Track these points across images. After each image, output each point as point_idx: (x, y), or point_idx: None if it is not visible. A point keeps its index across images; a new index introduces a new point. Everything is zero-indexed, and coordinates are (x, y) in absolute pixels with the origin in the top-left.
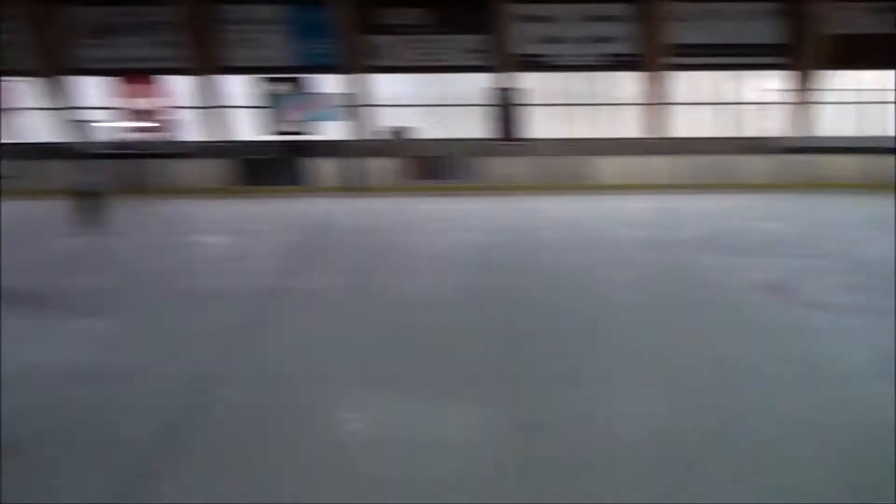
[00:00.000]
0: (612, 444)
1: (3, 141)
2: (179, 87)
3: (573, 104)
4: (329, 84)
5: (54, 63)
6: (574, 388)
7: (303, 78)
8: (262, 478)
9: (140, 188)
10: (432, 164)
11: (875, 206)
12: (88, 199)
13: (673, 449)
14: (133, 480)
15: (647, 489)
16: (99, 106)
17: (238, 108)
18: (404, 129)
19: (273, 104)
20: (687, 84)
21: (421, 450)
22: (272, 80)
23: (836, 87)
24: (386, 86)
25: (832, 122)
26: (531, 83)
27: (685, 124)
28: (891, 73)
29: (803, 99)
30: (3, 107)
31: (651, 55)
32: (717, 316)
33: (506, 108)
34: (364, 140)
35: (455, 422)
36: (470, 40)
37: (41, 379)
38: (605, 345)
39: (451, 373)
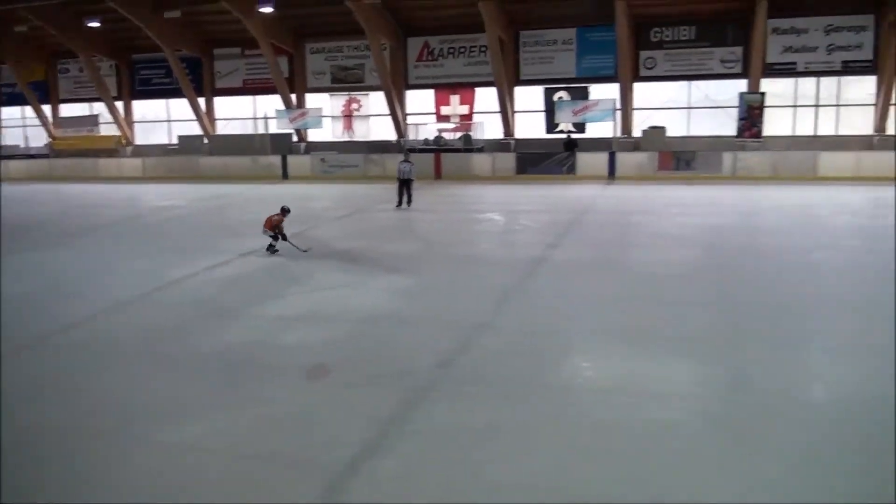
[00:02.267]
0: (801, 402)
1: (354, 139)
2: (484, 97)
3: (808, 105)
4: (603, 91)
5: (395, 80)
6: (780, 353)
7: (583, 86)
8: (504, 407)
9: (444, 175)
10: (680, 157)
11: None
12: (403, 184)
13: (863, 413)
14: (410, 402)
15: (824, 440)
16: (423, 112)
17: (527, 112)
18: (659, 127)
19: (555, 108)
20: None
21: (640, 398)
22: (557, 89)
23: None
24: (649, 91)
25: None
26: (770, 87)
27: None
28: None
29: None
30: (356, 114)
31: (885, 60)
32: None
33: (748, 108)
34: (625, 137)
35: (675, 375)
36: (726, 52)
37: (351, 319)
38: (811, 319)
39: (673, 335)
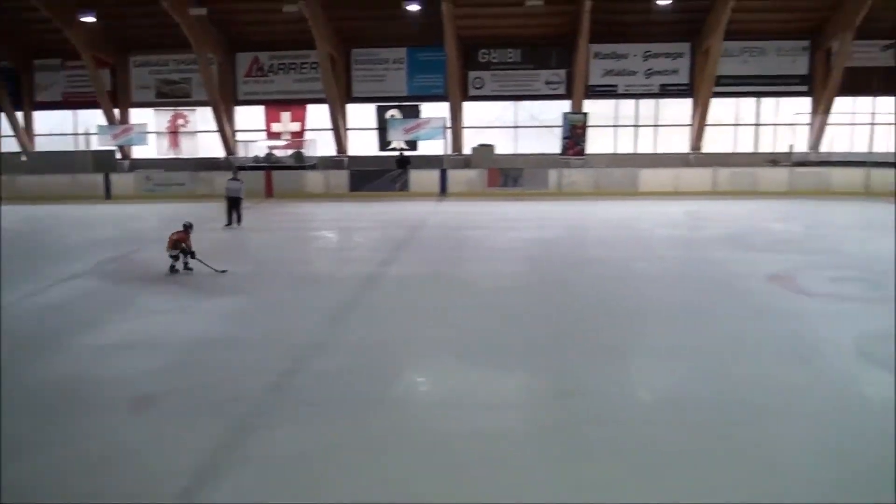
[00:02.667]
0: (631, 407)
1: (181, 156)
2: (316, 114)
3: (629, 125)
4: (434, 109)
5: (224, 96)
6: (606, 361)
7: (414, 105)
8: (342, 426)
9: (276, 193)
10: (508, 174)
11: (870, 211)
12: (233, 202)
13: (683, 412)
14: (242, 429)
15: (659, 446)
16: (253, 129)
17: (360, 130)
18: (488, 145)
19: (387, 126)
20: (722, 107)
21: (474, 409)
22: (389, 107)
23: (847, 111)
24: (478, 110)
25: (843, 139)
26: (593, 108)
27: (717, 141)
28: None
29: (820, 120)
30: (182, 130)
31: (699, 85)
32: (730, 300)
33: (572, 128)
34: (456, 154)
35: (505, 385)
36: (551, 74)
37: (176, 346)
38: (636, 325)
39: (504, 346)
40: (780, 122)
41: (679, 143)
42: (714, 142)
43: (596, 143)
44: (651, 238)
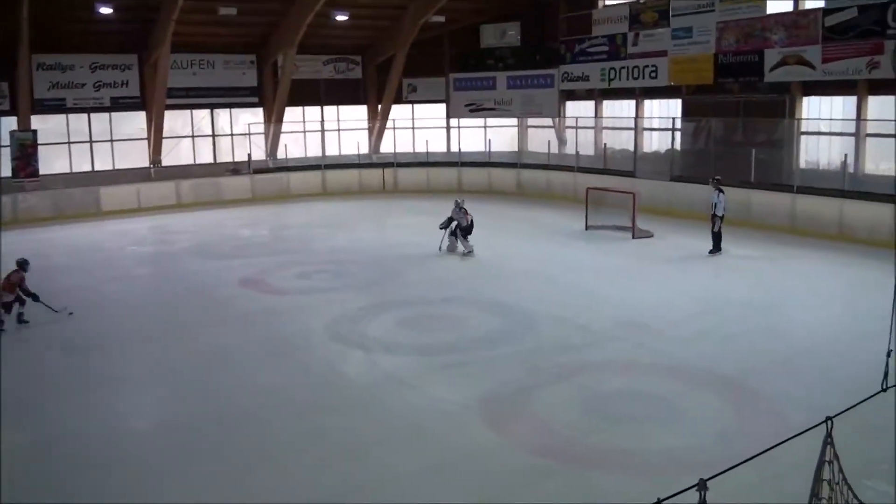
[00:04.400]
0: (123, 438)
1: None
2: None
3: (83, 141)
4: None
5: None
6: (91, 395)
7: None
8: None
9: None
10: None
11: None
12: None
13: (178, 433)
14: None
15: (151, 476)
16: None
17: None
18: None
19: None
20: (178, 119)
21: None
22: None
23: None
24: None
25: (297, 145)
26: (42, 124)
27: (177, 154)
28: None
29: (274, 129)
30: None
31: (151, 97)
32: (208, 309)
33: (21, 147)
34: None
35: None
36: None
37: None
38: (116, 352)
39: None
40: (237, 132)
41: (138, 157)
42: (174, 154)
43: (50, 163)
44: (122, 258)
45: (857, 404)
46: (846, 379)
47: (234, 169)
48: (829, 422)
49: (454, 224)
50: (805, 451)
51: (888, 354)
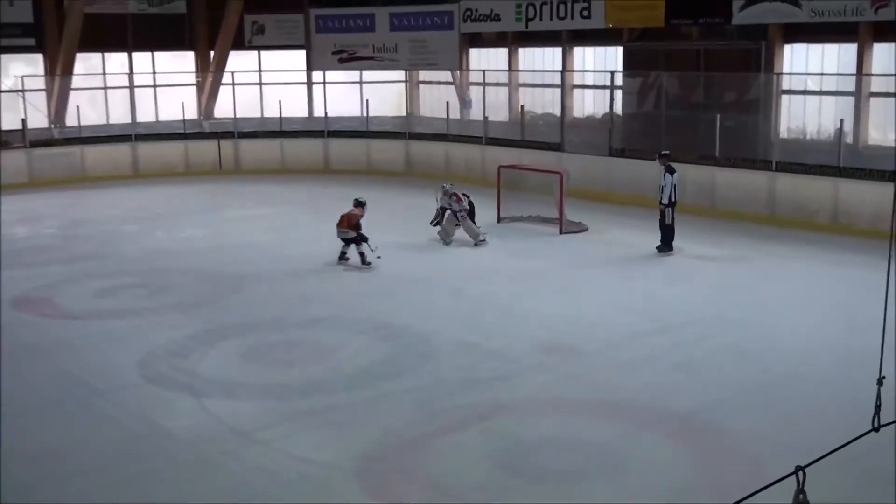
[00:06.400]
0: None
1: None
2: None
3: None
4: None
5: None
6: None
7: None
8: None
9: None
10: None
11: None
12: None
13: None
14: None
15: None
16: None
17: None
18: None
19: None
20: None
21: None
22: None
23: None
24: None
25: (98, 110)
26: None
27: None
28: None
29: (60, 85)
30: None
31: None
32: None
33: None
34: None
35: None
36: None
37: None
38: None
39: None
40: (5, 88)
41: None
42: None
43: None
44: None
45: (838, 449)
46: (838, 414)
47: (2, 141)
48: (801, 472)
49: (448, 213)
50: None
51: (879, 382)
